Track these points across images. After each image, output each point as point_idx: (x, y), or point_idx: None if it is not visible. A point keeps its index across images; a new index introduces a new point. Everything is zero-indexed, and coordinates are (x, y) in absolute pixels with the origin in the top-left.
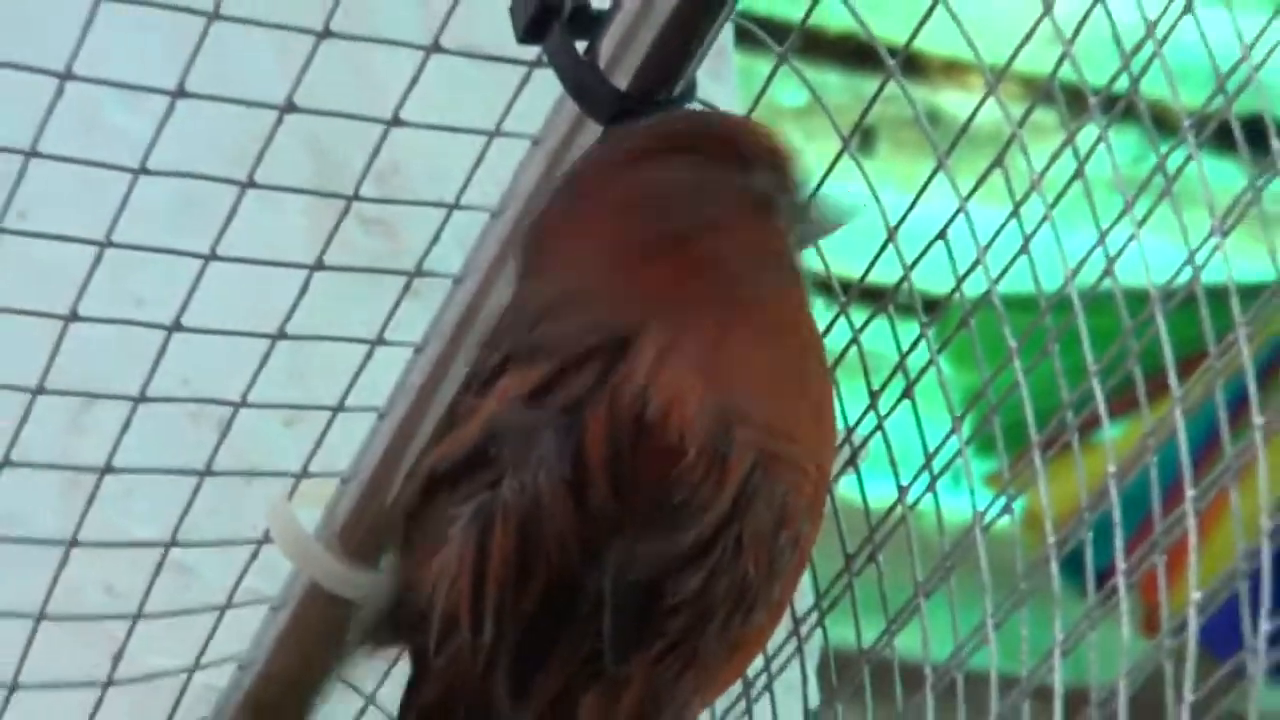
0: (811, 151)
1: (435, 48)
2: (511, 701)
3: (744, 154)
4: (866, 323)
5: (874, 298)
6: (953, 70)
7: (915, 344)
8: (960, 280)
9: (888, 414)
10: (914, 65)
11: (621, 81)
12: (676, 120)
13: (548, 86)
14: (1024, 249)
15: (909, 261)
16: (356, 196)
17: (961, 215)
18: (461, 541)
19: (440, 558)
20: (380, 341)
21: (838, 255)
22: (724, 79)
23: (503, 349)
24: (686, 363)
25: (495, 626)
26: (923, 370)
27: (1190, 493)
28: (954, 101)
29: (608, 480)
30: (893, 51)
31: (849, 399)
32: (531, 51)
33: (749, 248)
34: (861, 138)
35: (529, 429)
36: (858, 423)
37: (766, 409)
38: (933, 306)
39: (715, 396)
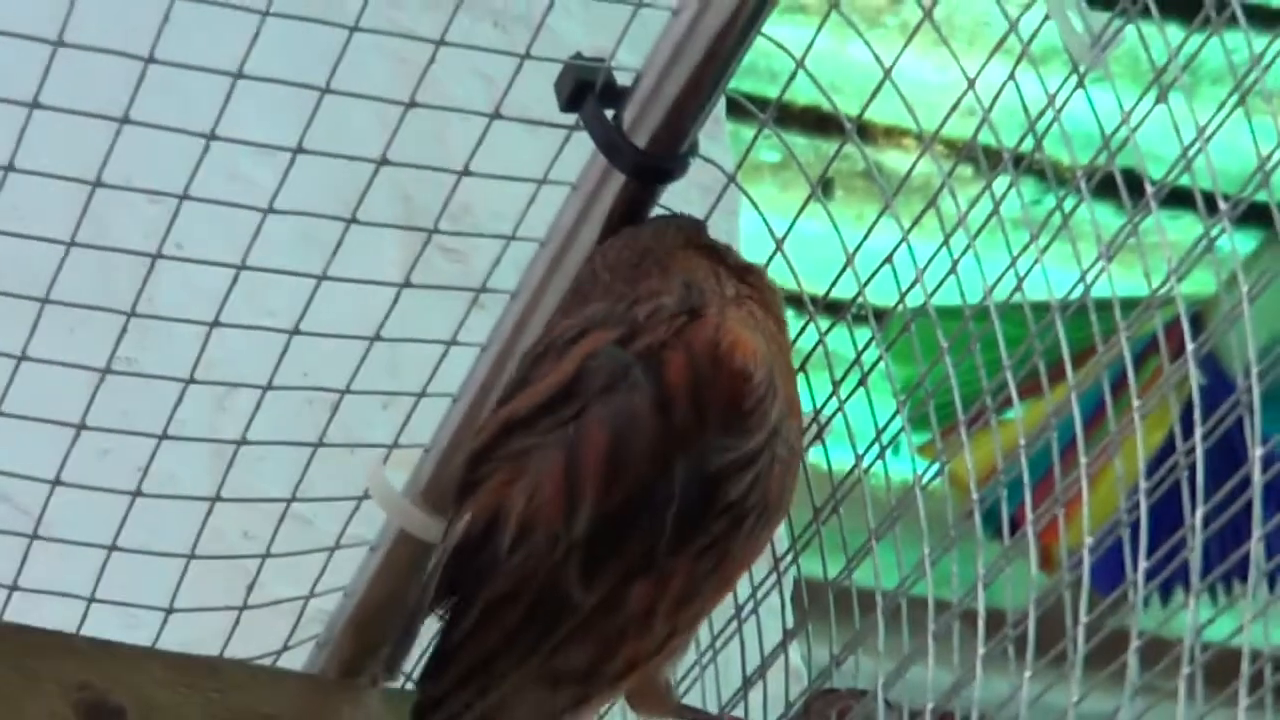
0: (784, 198)
1: (496, 115)
2: (582, 586)
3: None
4: (830, 328)
5: (835, 309)
6: (893, 134)
7: (868, 345)
8: (902, 296)
9: (846, 399)
10: (864, 130)
11: (641, 140)
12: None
13: (584, 145)
14: (952, 270)
15: (863, 280)
16: (436, 230)
17: (904, 245)
18: (550, 458)
19: (522, 478)
20: (454, 342)
21: (808, 276)
22: (718, 140)
23: (577, 324)
24: (738, 322)
25: (586, 522)
26: (873, 365)
27: (1083, 460)
28: (895, 159)
29: (689, 399)
30: (851, 119)
31: (816, 387)
32: (570, 117)
33: (749, 272)
34: (823, 187)
35: (619, 364)
36: (823, 405)
37: (781, 364)
38: (881, 316)
39: (763, 344)
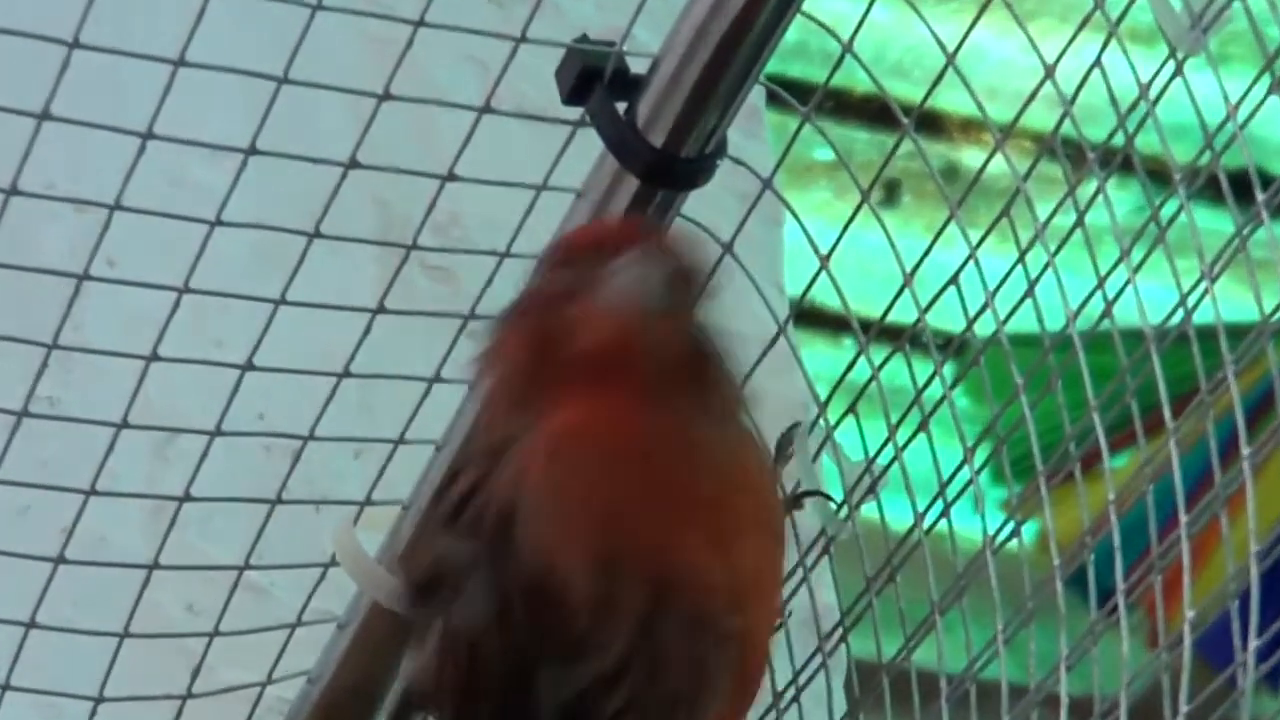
0: (841, 204)
1: (488, 109)
2: None
3: (610, 251)
4: (885, 360)
5: (892, 337)
6: (969, 128)
7: (930, 380)
8: (971, 321)
9: (905, 445)
10: (934, 124)
11: (658, 139)
12: (561, 237)
13: (590, 144)
14: (1029, 292)
15: (924, 303)
16: (415, 246)
17: (972, 261)
18: (431, 649)
19: (422, 652)
20: (438, 379)
21: (869, 297)
22: (757, 136)
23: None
24: (570, 501)
25: None
26: (937, 404)
27: (1184, 518)
28: (972, 157)
29: (526, 619)
30: (910, 110)
31: (869, 431)
32: (575, 112)
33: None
34: (886, 190)
35: (466, 559)
36: (877, 454)
37: (663, 535)
38: (946, 345)
39: (596, 546)
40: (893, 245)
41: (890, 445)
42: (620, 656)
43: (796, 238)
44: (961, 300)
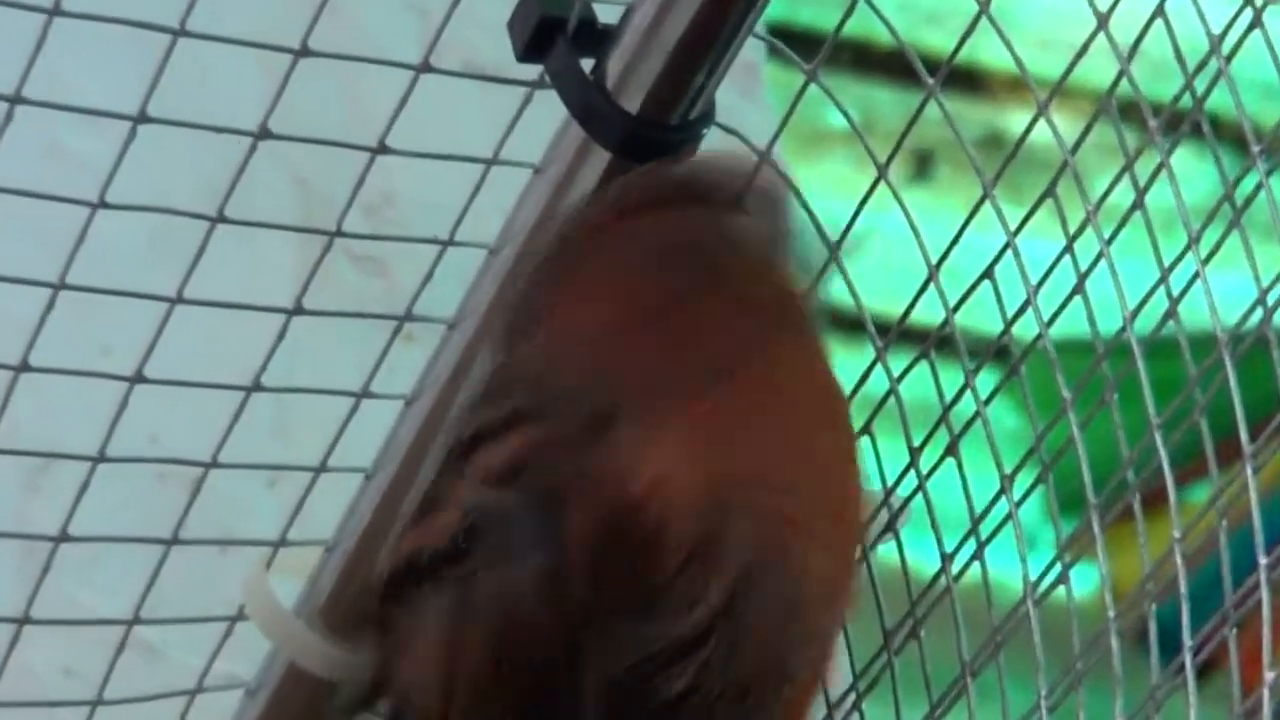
0: (862, 178)
1: (427, 67)
2: None
3: (736, 198)
4: (906, 370)
5: (916, 340)
6: (1017, 87)
7: (961, 393)
8: (1010, 322)
9: (930, 472)
10: (975, 82)
11: (631, 103)
12: (663, 171)
13: (551, 109)
14: (1079, 287)
15: (954, 301)
16: (339, 232)
17: (1011, 250)
18: (435, 637)
19: (416, 651)
20: (367, 394)
21: (878, 293)
22: (755, 97)
23: (475, 423)
24: (676, 438)
25: None
26: (969, 423)
27: (1263, 560)
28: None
29: (589, 571)
30: (940, 67)
31: (887, 455)
32: (533, 71)
33: (752, 303)
34: (917, 163)
35: (505, 516)
36: (897, 482)
37: (773, 488)
38: (981, 351)
39: (708, 475)
40: (915, 231)
41: (912, 472)
42: (707, 617)
43: (803, 221)
44: (998, 296)
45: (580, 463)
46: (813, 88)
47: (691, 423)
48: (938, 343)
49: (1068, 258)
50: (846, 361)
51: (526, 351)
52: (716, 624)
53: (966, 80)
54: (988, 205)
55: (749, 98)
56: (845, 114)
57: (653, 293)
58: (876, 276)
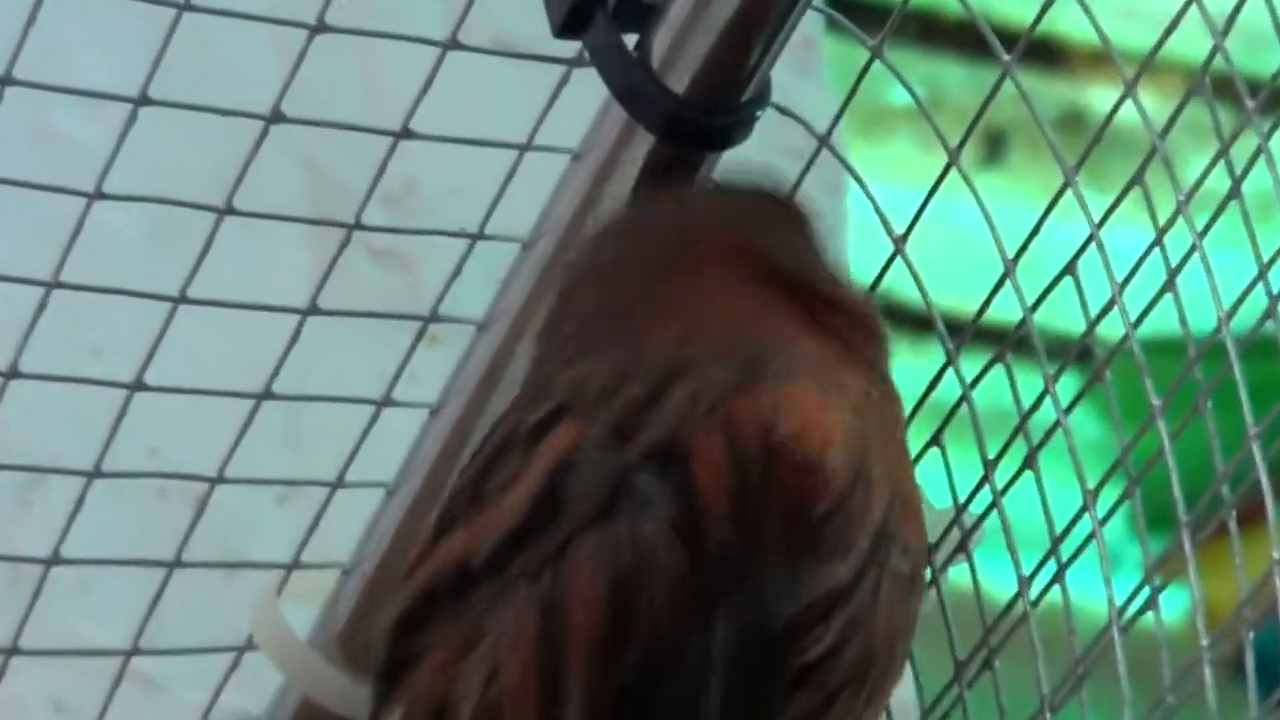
0: (930, 161)
1: (455, 44)
2: None
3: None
4: (980, 375)
5: (991, 341)
6: (1101, 62)
7: (1039, 401)
8: (1093, 323)
9: (1006, 487)
10: (1053, 56)
11: (679, 83)
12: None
13: (590, 89)
14: (1169, 284)
15: (1030, 299)
16: (358, 225)
17: (1095, 242)
18: (516, 622)
19: (474, 653)
20: (388, 402)
21: (948, 289)
22: (813, 75)
23: (554, 396)
24: (819, 391)
25: (581, 707)
26: (1048, 433)
27: None
28: (1105, 99)
29: (731, 515)
30: (1017, 40)
31: (958, 468)
32: (571, 48)
33: (842, 308)
34: (989, 145)
35: (613, 473)
36: (969, 499)
37: (886, 456)
38: (1060, 353)
39: (848, 429)
40: (989, 220)
41: (986, 487)
42: (859, 565)
43: (865, 210)
44: (1080, 293)
45: (707, 407)
46: (876, 64)
47: (811, 384)
48: (1014, 344)
49: (1156, 251)
50: (913, 366)
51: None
52: (863, 574)
53: (1044, 54)
54: (1068, 193)
55: (806, 75)
56: (912, 93)
57: (785, 282)
58: (948, 271)
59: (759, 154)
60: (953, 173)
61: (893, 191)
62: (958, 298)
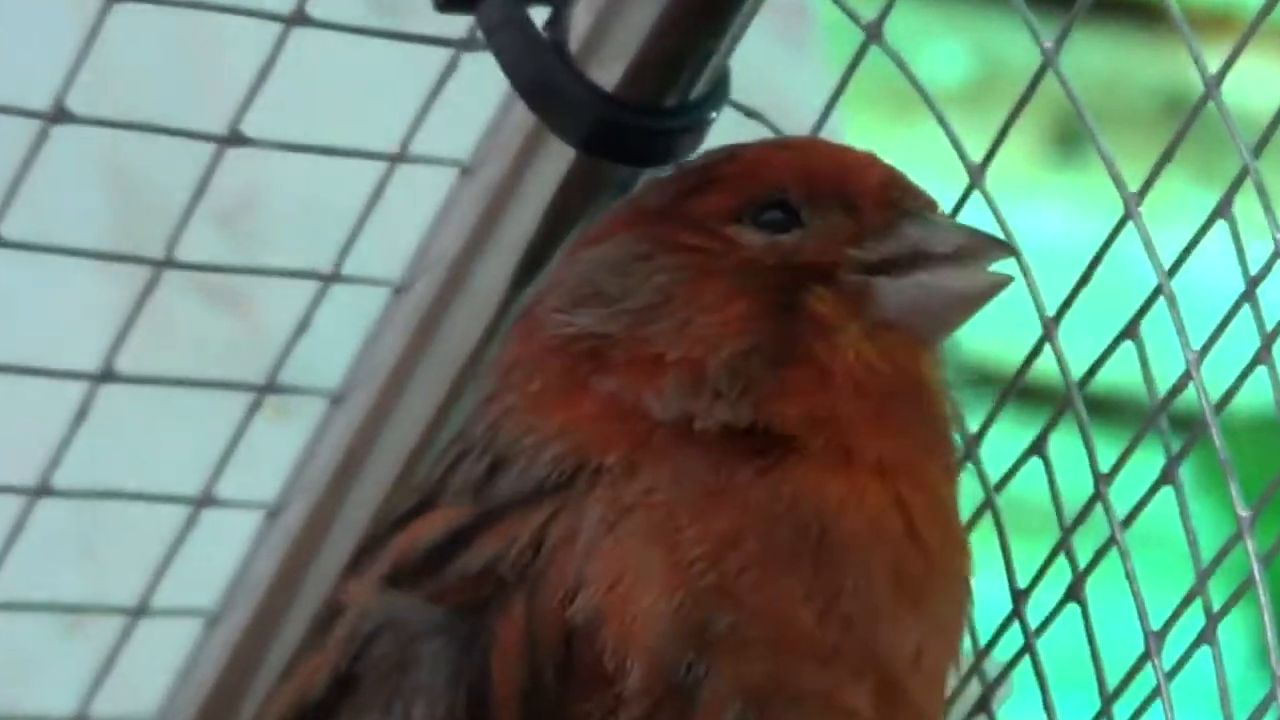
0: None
1: (302, 17)
2: None
3: (851, 195)
4: (1009, 474)
5: (1034, 400)
6: (1211, 25)
7: (1091, 504)
8: (1165, 400)
9: (1043, 625)
10: (1155, 16)
11: (606, 75)
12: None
13: (486, 82)
14: (1263, 354)
15: (1079, 372)
16: (169, 262)
17: (1166, 298)
18: None
19: None
20: (209, 500)
21: (984, 334)
22: (805, 49)
23: (417, 491)
24: (645, 531)
25: None
26: (1100, 552)
27: None
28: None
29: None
30: None
31: (983, 587)
32: (458, 24)
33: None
34: (1062, 136)
35: (410, 635)
36: (993, 640)
37: (780, 616)
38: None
39: (687, 591)
40: (1024, 269)
41: (1016, 623)
42: None
43: None
44: (1143, 362)
45: (522, 558)
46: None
47: (671, 514)
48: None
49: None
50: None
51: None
52: None
53: (1140, 12)
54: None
55: (797, 49)
56: (915, 83)
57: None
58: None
59: None
60: (1015, 163)
61: (936, 191)
62: (1001, 343)
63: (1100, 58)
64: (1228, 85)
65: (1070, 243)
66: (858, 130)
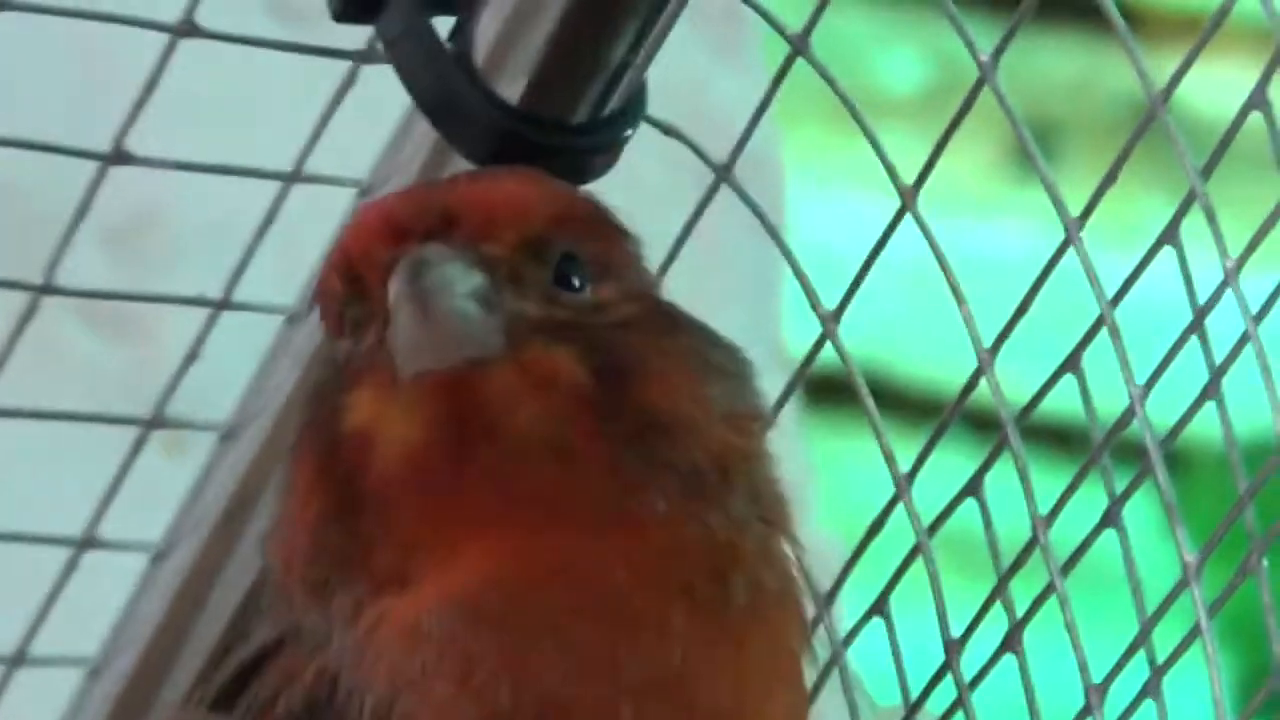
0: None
1: (191, 28)
2: None
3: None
4: (941, 519)
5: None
6: (1188, 30)
7: (1029, 549)
8: (1112, 431)
9: (978, 677)
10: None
11: (511, 89)
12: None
13: (386, 96)
14: (1213, 389)
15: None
16: (47, 288)
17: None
18: None
19: None
20: (91, 543)
21: (929, 362)
22: (737, 55)
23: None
24: (411, 635)
25: None
26: (1039, 600)
27: None
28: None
29: None
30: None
31: (909, 639)
32: (357, 35)
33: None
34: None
35: None
36: (925, 693)
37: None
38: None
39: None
40: (958, 296)
41: (948, 676)
42: None
43: (815, 255)
44: (1084, 394)
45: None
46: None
47: (454, 614)
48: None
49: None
50: (872, 469)
51: None
52: None
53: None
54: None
55: (728, 56)
56: (843, 96)
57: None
58: (932, 333)
59: (658, 177)
60: (983, 175)
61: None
62: (948, 371)
63: (1072, 62)
64: (1210, 96)
65: (1034, 259)
66: (802, 143)
